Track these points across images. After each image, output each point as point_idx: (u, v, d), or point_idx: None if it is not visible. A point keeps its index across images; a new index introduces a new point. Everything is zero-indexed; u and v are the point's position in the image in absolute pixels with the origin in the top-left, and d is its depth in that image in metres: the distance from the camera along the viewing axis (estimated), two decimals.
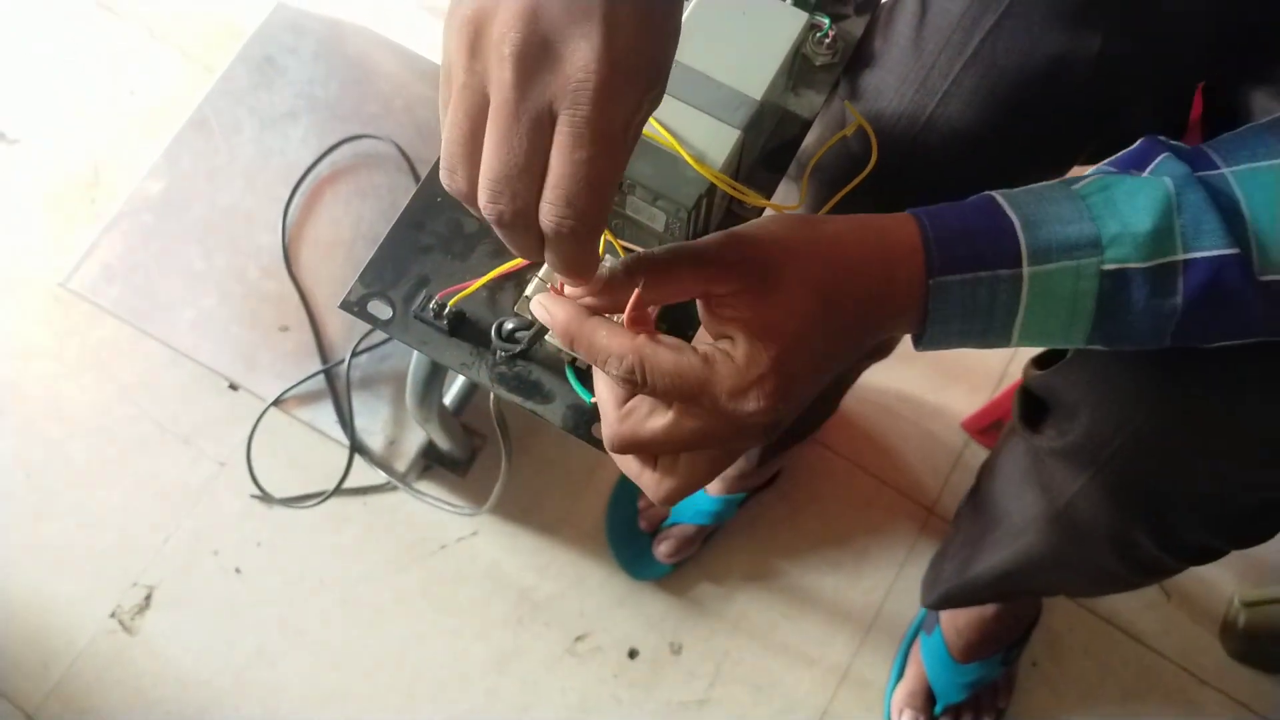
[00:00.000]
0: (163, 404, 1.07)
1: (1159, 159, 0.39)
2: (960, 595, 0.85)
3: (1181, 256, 0.37)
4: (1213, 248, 0.37)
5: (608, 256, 0.47)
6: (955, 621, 0.94)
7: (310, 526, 1.04)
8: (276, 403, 0.93)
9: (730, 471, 0.98)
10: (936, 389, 1.13)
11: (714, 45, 0.44)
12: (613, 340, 0.37)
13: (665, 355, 0.36)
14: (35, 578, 1.03)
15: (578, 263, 0.35)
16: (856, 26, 0.53)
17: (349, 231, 0.98)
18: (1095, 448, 0.52)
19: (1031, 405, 0.58)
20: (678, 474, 0.39)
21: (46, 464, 1.06)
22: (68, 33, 1.21)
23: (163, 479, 1.06)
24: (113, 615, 1.02)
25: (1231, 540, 0.56)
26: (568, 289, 0.40)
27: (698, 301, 0.39)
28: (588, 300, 0.38)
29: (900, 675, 0.98)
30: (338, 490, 0.96)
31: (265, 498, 1.02)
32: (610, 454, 0.40)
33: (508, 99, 0.32)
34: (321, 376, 0.94)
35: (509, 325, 0.47)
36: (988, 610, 0.92)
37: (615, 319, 0.38)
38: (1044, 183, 0.40)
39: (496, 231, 0.35)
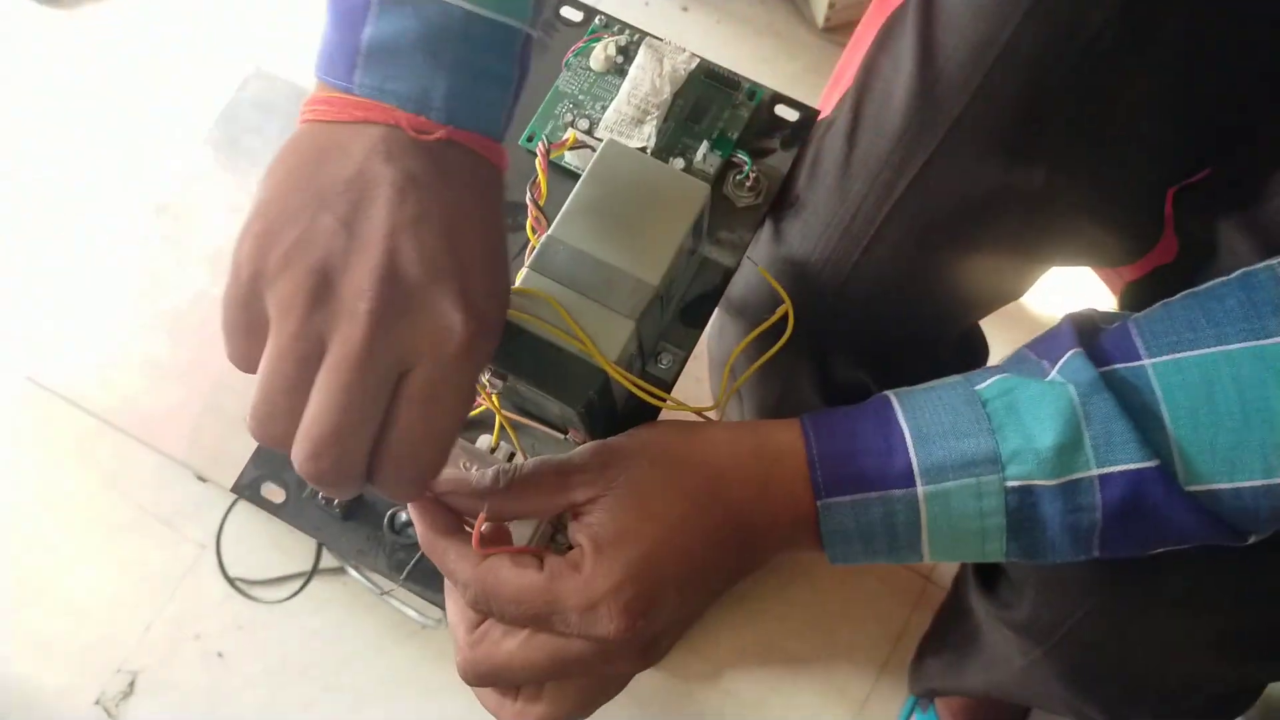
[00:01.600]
0: (143, 488, 1.06)
1: (1067, 356, 0.36)
2: (945, 691, 0.82)
3: (1095, 472, 0.34)
4: (1128, 461, 0.34)
5: (502, 446, 0.44)
6: (950, 706, 0.90)
7: (291, 609, 1.03)
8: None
9: None
10: None
11: (605, 223, 0.40)
12: (460, 565, 0.35)
13: (507, 579, 0.34)
14: (24, 668, 1.02)
15: (406, 498, 0.34)
16: (783, 161, 0.50)
17: None
18: (1041, 631, 0.49)
19: (988, 565, 0.55)
20: (541, 704, 0.36)
21: (32, 554, 1.05)
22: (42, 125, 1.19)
23: (145, 564, 1.05)
24: (98, 703, 1.01)
25: None
26: (441, 486, 0.38)
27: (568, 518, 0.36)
28: (462, 506, 0.37)
29: None
30: (310, 578, 0.95)
31: (240, 585, 1.00)
32: (465, 682, 0.37)
33: (355, 355, 0.30)
34: None
35: (403, 518, 0.44)
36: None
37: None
38: (947, 380, 0.37)
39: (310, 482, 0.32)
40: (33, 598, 1.04)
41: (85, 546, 1.05)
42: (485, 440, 0.43)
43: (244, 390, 0.45)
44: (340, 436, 0.30)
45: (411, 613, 0.98)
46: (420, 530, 0.37)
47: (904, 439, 0.35)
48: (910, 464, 0.35)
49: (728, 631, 1.02)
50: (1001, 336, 0.62)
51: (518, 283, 0.40)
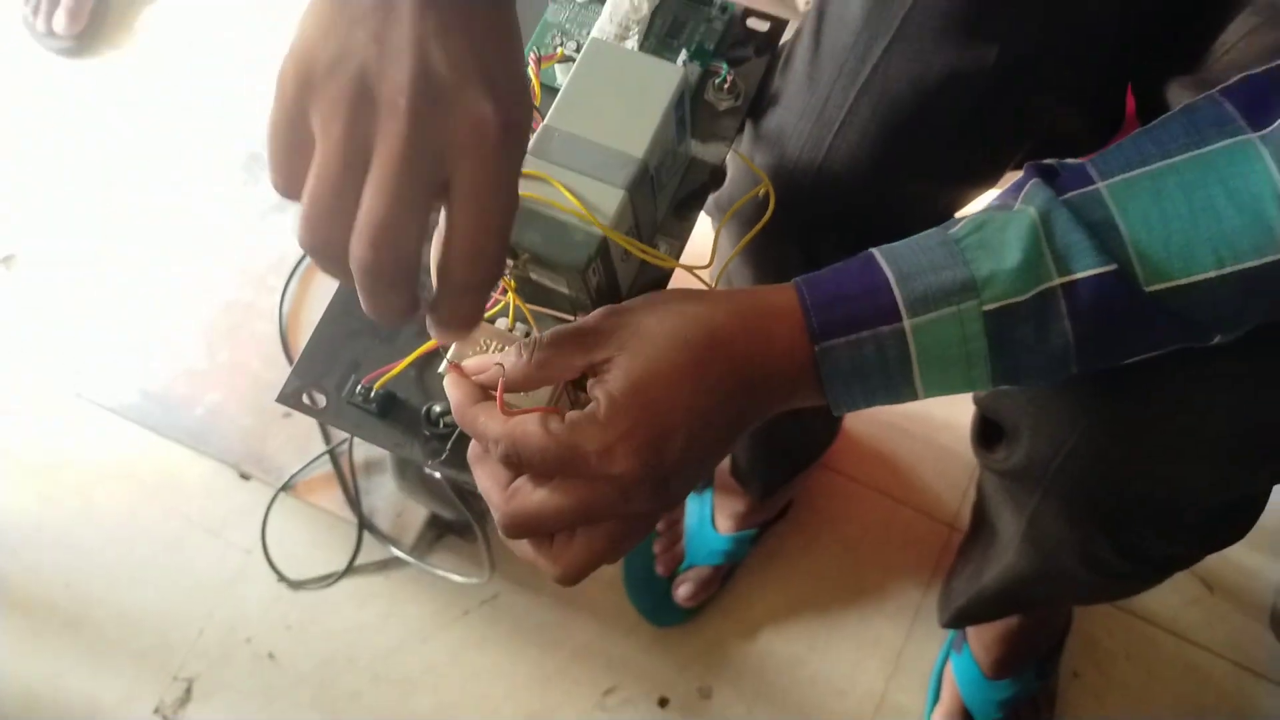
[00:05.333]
0: (188, 499, 1.11)
1: (1027, 187, 0.39)
2: (972, 612, 0.83)
3: (1057, 281, 0.37)
4: (1087, 268, 0.37)
5: (520, 325, 0.48)
6: (983, 638, 0.92)
7: (335, 605, 1.06)
8: (285, 488, 0.96)
9: (737, 508, 0.98)
10: (945, 401, 1.11)
11: (593, 109, 0.45)
12: (490, 425, 0.38)
13: (534, 430, 0.37)
14: (82, 682, 1.06)
15: (470, 318, 0.36)
16: (758, 68, 0.54)
17: None
18: (1039, 467, 0.51)
19: (986, 425, 0.58)
20: (573, 549, 0.39)
21: (83, 571, 1.09)
22: (69, 155, 1.27)
23: (194, 572, 1.09)
24: (157, 711, 1.04)
25: (1197, 545, 0.54)
26: (469, 366, 0.41)
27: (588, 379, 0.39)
28: (491, 380, 0.40)
29: (936, 699, 0.96)
30: (350, 570, 0.98)
31: (287, 582, 1.04)
32: (504, 540, 0.40)
33: (400, 147, 0.32)
34: (327, 459, 0.97)
35: (437, 408, 0.48)
36: (1012, 623, 0.90)
37: None
38: (924, 232, 0.40)
39: (364, 288, 0.34)
40: (86, 613, 1.08)
41: (134, 560, 1.09)
42: (503, 323, 0.47)
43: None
44: (395, 223, 0.33)
45: (456, 577, 1.01)
46: (455, 401, 0.40)
47: (888, 280, 0.38)
48: (895, 301, 0.38)
49: (760, 592, 1.04)
50: None
51: None
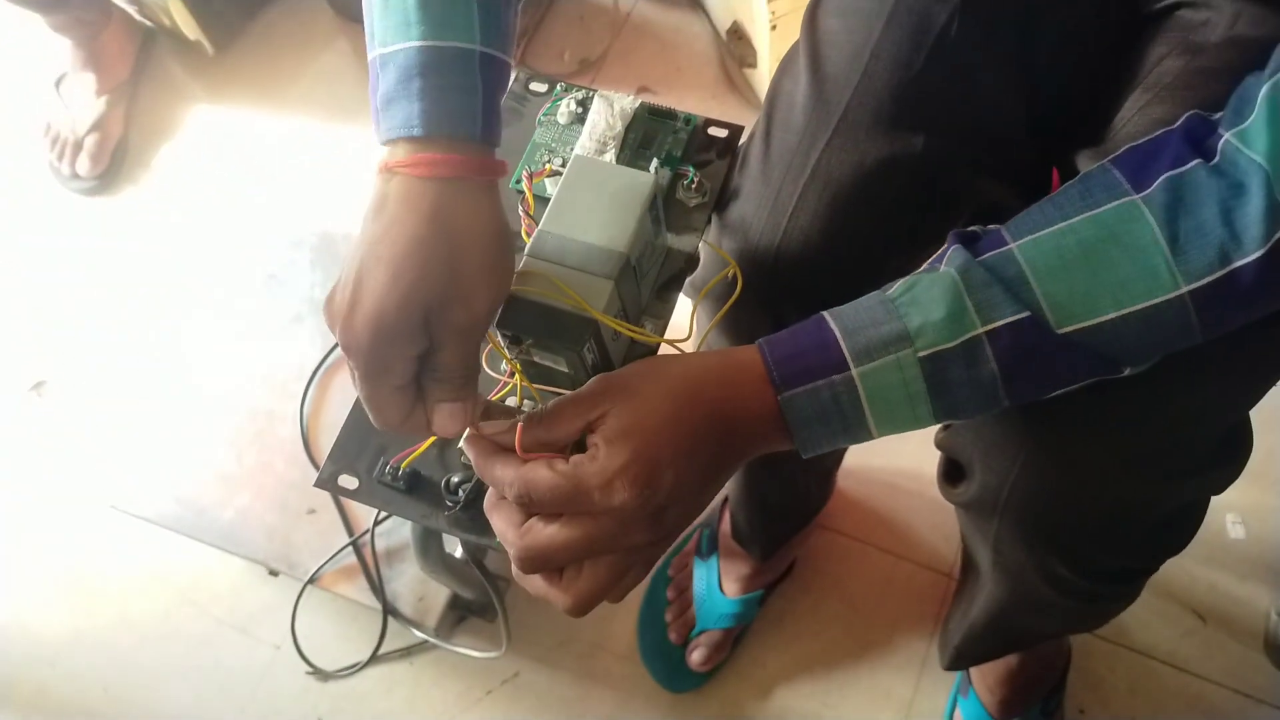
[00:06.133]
0: (218, 599, 1.16)
1: (949, 251, 0.46)
2: (968, 650, 0.88)
3: (980, 329, 0.43)
4: (1004, 316, 0.43)
5: (527, 402, 0.55)
6: (986, 680, 0.96)
7: (363, 694, 1.10)
8: (312, 581, 1.01)
9: (742, 571, 1.03)
10: (935, 457, 1.17)
11: (581, 214, 0.52)
12: (505, 470, 0.45)
13: (542, 472, 0.43)
14: None
15: (446, 428, 0.47)
16: (720, 169, 0.62)
17: None
18: (991, 496, 0.57)
19: (949, 464, 0.64)
20: (580, 581, 0.45)
21: (120, 674, 1.14)
22: (95, 286, 1.35)
23: (225, 670, 1.13)
24: None
25: (1146, 556, 0.60)
26: (487, 430, 0.48)
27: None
28: (505, 441, 0.46)
29: None
30: (375, 657, 1.03)
31: (316, 673, 1.08)
32: (518, 578, 0.46)
33: (352, 358, 0.45)
34: (350, 550, 1.02)
35: (455, 479, 0.54)
36: (1012, 662, 0.94)
37: None
38: (867, 294, 0.47)
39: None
40: (124, 716, 1.12)
41: (169, 662, 1.13)
42: (512, 401, 0.53)
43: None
44: (371, 405, 0.46)
45: (477, 654, 1.05)
46: (473, 456, 0.47)
47: (835, 336, 0.45)
48: (843, 354, 0.44)
49: (771, 653, 1.08)
50: None
51: (519, 267, 0.52)
